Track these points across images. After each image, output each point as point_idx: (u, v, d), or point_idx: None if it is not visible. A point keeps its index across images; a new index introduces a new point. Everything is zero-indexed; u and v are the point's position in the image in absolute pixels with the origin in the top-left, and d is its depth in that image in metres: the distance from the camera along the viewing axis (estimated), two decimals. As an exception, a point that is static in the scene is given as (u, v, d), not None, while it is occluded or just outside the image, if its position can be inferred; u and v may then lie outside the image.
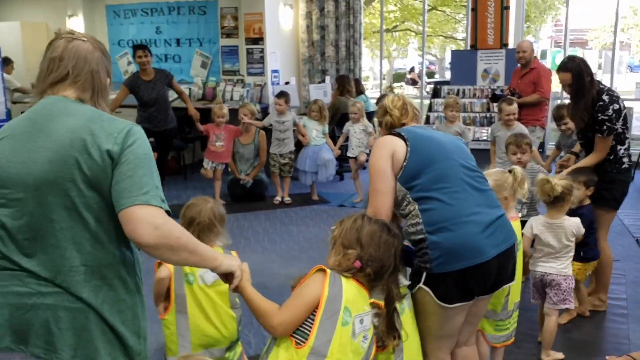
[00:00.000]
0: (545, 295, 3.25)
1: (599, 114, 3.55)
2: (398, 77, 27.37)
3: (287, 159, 6.55)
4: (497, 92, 6.69)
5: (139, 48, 6.44)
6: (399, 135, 2.29)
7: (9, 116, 7.42)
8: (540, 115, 6.11)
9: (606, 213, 3.65)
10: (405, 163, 2.22)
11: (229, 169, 6.73)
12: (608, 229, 3.80)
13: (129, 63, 9.40)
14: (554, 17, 22.97)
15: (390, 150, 2.25)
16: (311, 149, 6.53)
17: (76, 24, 9.47)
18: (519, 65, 6.29)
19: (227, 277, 1.77)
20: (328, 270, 1.82)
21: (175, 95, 7.19)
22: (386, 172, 2.23)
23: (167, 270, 2.44)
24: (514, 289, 2.77)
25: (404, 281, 2.15)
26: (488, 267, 2.14)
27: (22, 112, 1.71)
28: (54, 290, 1.53)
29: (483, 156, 6.02)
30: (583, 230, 3.27)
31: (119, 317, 1.60)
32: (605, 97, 3.55)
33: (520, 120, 5.78)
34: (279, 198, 6.54)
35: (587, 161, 3.64)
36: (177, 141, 7.99)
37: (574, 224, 3.23)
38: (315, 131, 6.57)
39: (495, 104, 6.93)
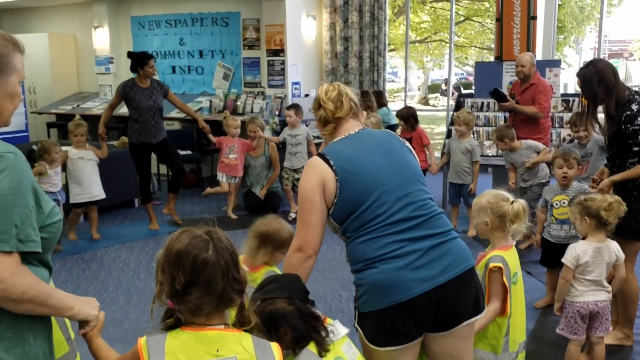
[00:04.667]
0: (592, 325, 3.04)
1: (628, 125, 3.24)
2: (434, 88, 27.05)
3: (300, 174, 6.37)
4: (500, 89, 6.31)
5: (151, 57, 5.84)
6: (327, 161, 2.03)
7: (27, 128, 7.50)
8: (543, 134, 5.74)
9: (628, 243, 3.28)
10: (335, 200, 2.01)
11: (244, 184, 6.64)
12: (634, 260, 3.44)
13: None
14: (593, 28, 22.27)
15: (320, 179, 2.01)
16: None
17: (102, 34, 9.55)
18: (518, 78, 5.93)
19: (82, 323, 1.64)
20: (142, 344, 1.48)
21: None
22: (317, 204, 2.01)
23: None
24: (516, 327, 2.53)
25: (342, 329, 1.87)
26: (418, 304, 1.90)
27: None
28: None
29: (505, 173, 5.77)
30: (623, 255, 3.04)
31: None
32: (635, 107, 3.25)
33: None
34: (292, 214, 6.36)
35: (632, 172, 3.28)
36: (196, 154, 7.93)
37: (616, 246, 3.03)
38: None
39: (494, 100, 6.56)
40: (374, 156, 2.06)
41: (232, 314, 1.61)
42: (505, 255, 2.53)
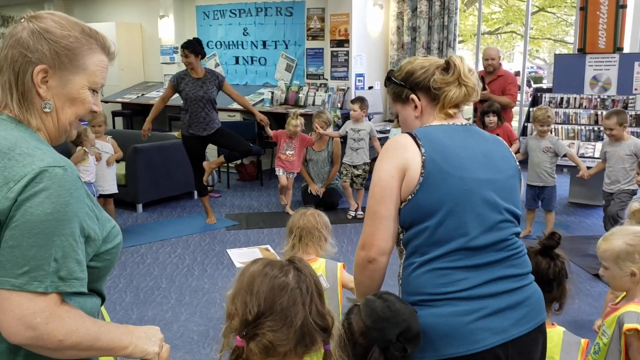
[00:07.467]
0: None
1: None
2: (502, 81, 26.05)
3: (360, 170, 6.08)
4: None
5: (183, 47, 5.50)
6: (418, 145, 1.59)
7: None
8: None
9: None
10: (410, 197, 1.58)
11: (302, 179, 6.41)
12: None
13: (217, 65, 9.31)
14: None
15: (403, 162, 1.58)
16: None
17: (167, 24, 9.54)
18: (482, 69, 6.75)
19: None
20: None
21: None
22: (392, 190, 1.59)
23: None
24: None
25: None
26: (484, 359, 1.52)
27: None
28: None
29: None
30: None
31: None
32: None
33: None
34: (352, 212, 6.09)
35: None
36: (256, 147, 7.76)
37: None
38: None
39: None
40: (476, 165, 1.62)
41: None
42: None
